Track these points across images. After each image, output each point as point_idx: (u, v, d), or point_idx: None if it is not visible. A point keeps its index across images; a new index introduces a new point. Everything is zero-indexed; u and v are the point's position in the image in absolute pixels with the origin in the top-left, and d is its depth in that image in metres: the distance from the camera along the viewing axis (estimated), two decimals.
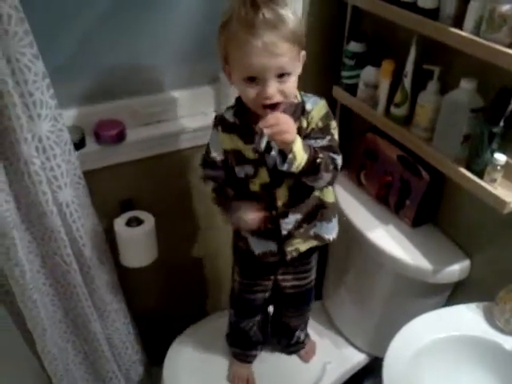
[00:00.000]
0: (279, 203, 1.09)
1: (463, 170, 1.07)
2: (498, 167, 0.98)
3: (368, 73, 1.29)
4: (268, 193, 1.08)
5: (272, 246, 1.17)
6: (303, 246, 1.19)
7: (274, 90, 0.91)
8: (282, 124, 0.89)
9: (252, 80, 0.91)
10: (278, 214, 1.11)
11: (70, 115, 1.24)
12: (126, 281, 1.44)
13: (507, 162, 1.00)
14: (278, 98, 0.93)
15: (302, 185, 1.05)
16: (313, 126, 1.02)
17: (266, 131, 0.89)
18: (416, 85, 1.19)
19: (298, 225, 1.14)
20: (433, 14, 1.09)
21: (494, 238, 1.16)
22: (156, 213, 1.37)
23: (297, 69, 0.96)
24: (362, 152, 1.40)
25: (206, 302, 1.80)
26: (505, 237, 1.13)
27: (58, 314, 1.24)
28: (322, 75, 1.14)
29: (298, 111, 1.03)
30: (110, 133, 1.26)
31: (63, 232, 1.11)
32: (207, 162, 1.14)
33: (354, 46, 1.31)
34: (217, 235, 1.63)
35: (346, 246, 1.44)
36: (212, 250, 1.67)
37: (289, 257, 1.18)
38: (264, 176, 1.06)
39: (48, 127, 1.05)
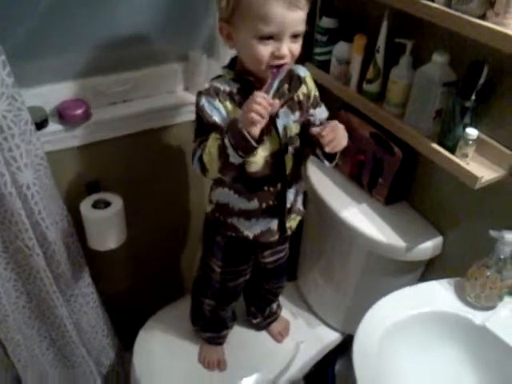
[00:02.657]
0: (287, 172, 1.06)
1: (435, 146, 1.05)
2: (470, 142, 0.97)
3: (340, 48, 1.26)
4: (278, 162, 1.03)
5: (273, 224, 1.13)
6: (294, 222, 1.18)
7: (286, 49, 0.89)
8: (340, 134, 0.96)
9: (267, 38, 0.88)
10: (286, 184, 1.08)
11: (31, 94, 1.17)
12: (95, 264, 1.40)
13: (479, 137, 0.99)
14: (286, 59, 0.91)
15: (301, 151, 1.07)
16: (312, 93, 1.07)
17: (327, 149, 0.95)
18: (388, 60, 1.16)
19: (294, 198, 1.13)
20: None
21: (466, 214, 1.16)
22: (124, 195, 1.33)
23: (304, 32, 0.93)
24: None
25: (177, 284, 1.77)
26: (476, 212, 1.13)
27: (21, 300, 1.19)
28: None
29: (295, 78, 1.04)
30: (74, 112, 1.21)
31: (24, 215, 1.06)
32: (204, 130, 0.97)
33: (326, 22, 1.28)
34: (188, 216, 1.60)
35: (319, 225, 1.43)
36: (182, 231, 1.64)
37: (289, 232, 1.17)
38: (275, 143, 1.01)
39: (4, 106, 0.99)
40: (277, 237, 1.16)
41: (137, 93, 1.32)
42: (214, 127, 0.95)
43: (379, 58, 1.17)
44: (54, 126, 1.21)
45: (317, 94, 1.10)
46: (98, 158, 1.32)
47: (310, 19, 1.35)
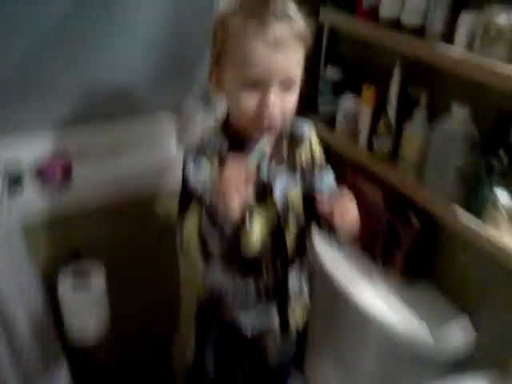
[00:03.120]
0: (289, 247, 0.90)
1: (459, 212, 0.88)
2: (500, 206, 0.79)
3: (347, 101, 1.13)
4: (277, 236, 0.88)
5: (272, 314, 0.96)
6: (300, 316, 1.01)
7: (277, 100, 0.76)
8: (349, 208, 0.80)
9: (252, 85, 0.76)
10: (287, 263, 0.91)
11: (3, 147, 1.07)
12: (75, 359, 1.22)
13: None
14: (277, 115, 0.77)
15: (304, 221, 0.92)
16: (317, 155, 0.93)
17: (337, 223, 0.79)
18: (401, 113, 1.02)
19: (298, 278, 0.96)
20: (418, 31, 0.94)
21: (500, 296, 0.95)
22: (107, 268, 1.18)
23: (298, 82, 0.80)
24: None
25: (169, 376, 1.54)
26: None
27: None
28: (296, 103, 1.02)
29: (297, 136, 0.91)
30: (53, 170, 1.09)
31: None
32: (187, 198, 0.85)
33: (330, 71, 1.16)
34: (178, 294, 1.41)
35: (328, 304, 1.22)
36: (173, 311, 1.44)
37: (293, 329, 0.99)
38: (272, 213, 0.86)
39: None
40: (279, 338, 0.98)
41: (125, 146, 1.20)
42: (197, 195, 0.81)
43: (391, 110, 1.02)
44: (29, 186, 1.08)
45: (322, 154, 0.95)
46: (79, 223, 1.18)
47: (314, 68, 1.25)
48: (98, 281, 1.14)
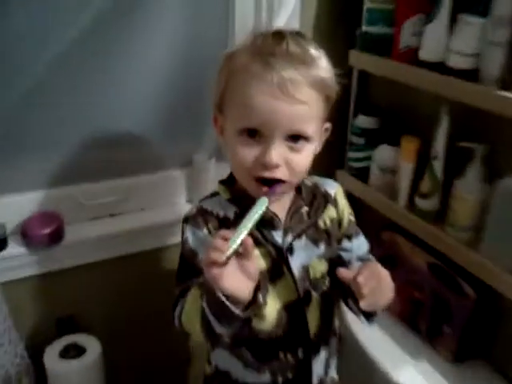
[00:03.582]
0: (312, 332, 0.73)
1: None
2: None
3: (383, 154, 0.99)
4: (297, 317, 0.71)
5: None
6: None
7: (278, 156, 0.62)
8: (382, 284, 0.65)
9: (251, 135, 0.63)
10: (310, 350, 0.74)
11: None
12: None
13: None
14: (281, 173, 0.64)
15: (331, 298, 0.76)
16: (345, 220, 0.78)
17: (362, 304, 0.64)
18: (450, 168, 0.88)
19: (324, 366, 0.77)
20: (467, 75, 0.81)
21: None
22: (104, 338, 1.02)
23: (316, 138, 0.66)
24: (376, 256, 1.06)
25: None
26: None
27: None
28: (321, 157, 0.87)
29: (320, 196, 0.75)
30: (42, 232, 0.95)
31: None
32: (191, 273, 0.68)
33: (363, 121, 1.03)
34: (186, 370, 1.25)
35: None
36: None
37: None
38: (290, 290, 0.70)
39: None
40: None
41: (127, 205, 1.07)
42: (198, 272, 0.65)
43: (437, 166, 0.88)
44: (14, 247, 0.95)
45: (352, 218, 0.80)
46: (73, 288, 1.04)
47: (342, 117, 1.12)
48: (92, 353, 0.98)
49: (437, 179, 0.89)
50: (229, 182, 0.73)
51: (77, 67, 0.94)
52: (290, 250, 0.69)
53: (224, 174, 1.05)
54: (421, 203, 0.93)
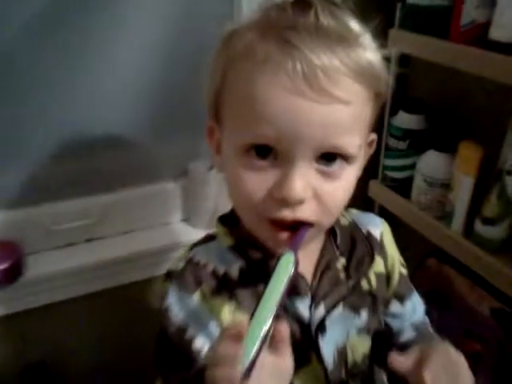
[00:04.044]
0: None
1: None
2: None
3: (431, 162, 0.77)
4: None
5: None
6: None
7: (304, 186, 0.41)
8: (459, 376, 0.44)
9: (261, 154, 0.42)
10: None
11: None
12: None
13: None
14: (308, 211, 0.42)
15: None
16: (395, 274, 0.56)
17: None
18: None
19: None
20: None
21: None
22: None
23: (359, 156, 0.44)
24: (421, 291, 0.84)
25: None
26: None
27: None
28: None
29: (362, 243, 0.53)
30: None
31: None
32: (182, 359, 0.47)
33: (404, 119, 0.80)
34: None
35: None
36: None
37: None
38: (315, 382, 0.49)
39: None
40: None
41: (106, 228, 0.86)
42: (186, 360, 0.44)
43: (510, 183, 0.66)
44: None
45: (405, 271, 0.58)
46: (37, 332, 0.84)
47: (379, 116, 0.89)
48: None
49: (509, 199, 0.67)
50: (231, 221, 0.51)
51: (40, 56, 0.73)
52: (322, 327, 0.48)
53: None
54: (483, 230, 0.71)
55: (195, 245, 0.52)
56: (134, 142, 0.85)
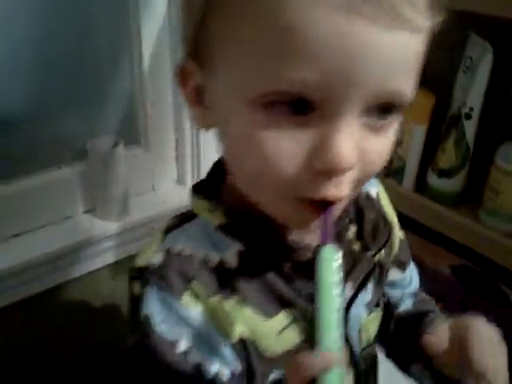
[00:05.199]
0: None
1: None
2: None
3: None
4: None
5: None
6: None
7: (351, 150, 0.28)
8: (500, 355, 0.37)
9: (293, 108, 0.28)
10: None
11: None
12: None
13: None
14: (348, 185, 0.30)
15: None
16: (396, 238, 0.47)
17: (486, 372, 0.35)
18: (485, 133, 0.60)
19: None
20: None
21: None
22: None
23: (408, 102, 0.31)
24: None
25: None
26: None
27: None
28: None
29: (368, 205, 0.44)
30: None
31: None
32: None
33: None
34: None
35: None
36: None
37: None
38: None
39: None
40: None
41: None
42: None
43: (469, 128, 0.59)
44: None
45: (402, 234, 0.49)
46: None
47: None
48: None
49: (467, 148, 0.60)
50: (212, 192, 0.38)
51: None
52: (349, 311, 0.40)
53: (146, 169, 0.71)
54: (439, 183, 0.64)
55: (168, 231, 0.38)
56: (11, 120, 0.66)
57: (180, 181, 0.83)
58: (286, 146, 0.28)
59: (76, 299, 0.74)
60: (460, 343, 0.35)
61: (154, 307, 0.35)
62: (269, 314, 0.36)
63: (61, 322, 0.73)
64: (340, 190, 0.30)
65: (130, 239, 0.74)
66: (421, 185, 0.67)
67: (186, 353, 0.34)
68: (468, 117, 0.58)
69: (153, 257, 0.36)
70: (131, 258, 0.75)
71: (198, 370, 0.34)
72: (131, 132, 0.77)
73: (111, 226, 0.72)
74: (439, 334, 0.37)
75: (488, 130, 0.60)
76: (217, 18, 0.29)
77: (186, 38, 0.32)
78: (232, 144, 0.32)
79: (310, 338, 0.30)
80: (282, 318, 0.36)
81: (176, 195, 0.80)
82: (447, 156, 0.62)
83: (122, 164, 0.71)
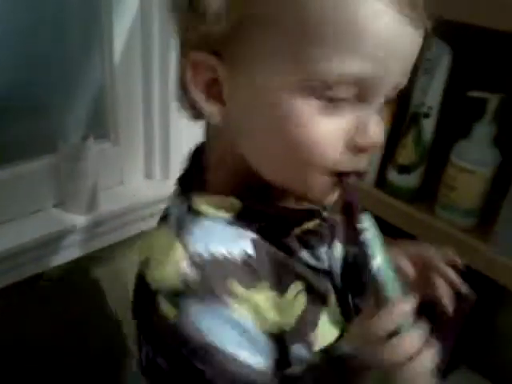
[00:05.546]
0: None
1: None
2: None
3: None
4: None
5: None
6: None
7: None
8: None
9: (338, 94, 0.33)
10: None
11: None
12: None
13: None
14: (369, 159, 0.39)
15: None
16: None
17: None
18: (444, 130, 0.63)
19: None
20: None
21: None
22: None
23: None
24: None
25: None
26: None
27: None
28: None
29: None
30: None
31: None
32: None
33: None
34: None
35: None
36: None
37: None
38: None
39: None
40: None
41: None
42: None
43: (427, 126, 0.62)
44: None
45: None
46: None
47: None
48: None
49: (424, 144, 0.63)
50: (200, 183, 0.40)
51: None
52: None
53: (117, 161, 0.71)
54: (398, 179, 0.67)
55: (179, 232, 0.37)
56: None
57: (149, 175, 0.84)
58: (335, 129, 0.33)
59: (45, 293, 0.74)
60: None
61: (204, 323, 0.34)
62: (284, 290, 0.39)
63: (30, 315, 0.73)
64: (367, 162, 0.36)
65: (99, 233, 0.74)
66: (381, 180, 0.70)
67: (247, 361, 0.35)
68: (426, 115, 0.61)
69: (182, 269, 0.35)
70: (101, 251, 0.76)
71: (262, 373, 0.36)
72: (101, 126, 0.77)
73: (80, 220, 0.73)
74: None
75: (445, 129, 0.63)
76: (256, 18, 0.31)
77: (204, 36, 0.33)
78: (263, 135, 0.35)
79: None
80: (293, 290, 0.40)
81: (145, 189, 0.81)
82: (407, 152, 0.65)
83: (92, 158, 0.71)
